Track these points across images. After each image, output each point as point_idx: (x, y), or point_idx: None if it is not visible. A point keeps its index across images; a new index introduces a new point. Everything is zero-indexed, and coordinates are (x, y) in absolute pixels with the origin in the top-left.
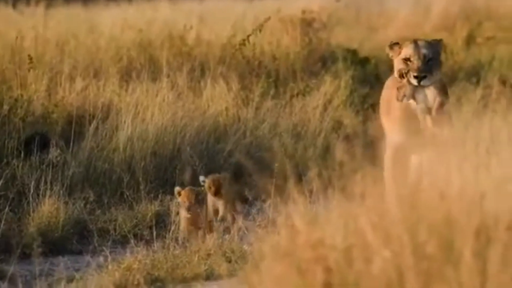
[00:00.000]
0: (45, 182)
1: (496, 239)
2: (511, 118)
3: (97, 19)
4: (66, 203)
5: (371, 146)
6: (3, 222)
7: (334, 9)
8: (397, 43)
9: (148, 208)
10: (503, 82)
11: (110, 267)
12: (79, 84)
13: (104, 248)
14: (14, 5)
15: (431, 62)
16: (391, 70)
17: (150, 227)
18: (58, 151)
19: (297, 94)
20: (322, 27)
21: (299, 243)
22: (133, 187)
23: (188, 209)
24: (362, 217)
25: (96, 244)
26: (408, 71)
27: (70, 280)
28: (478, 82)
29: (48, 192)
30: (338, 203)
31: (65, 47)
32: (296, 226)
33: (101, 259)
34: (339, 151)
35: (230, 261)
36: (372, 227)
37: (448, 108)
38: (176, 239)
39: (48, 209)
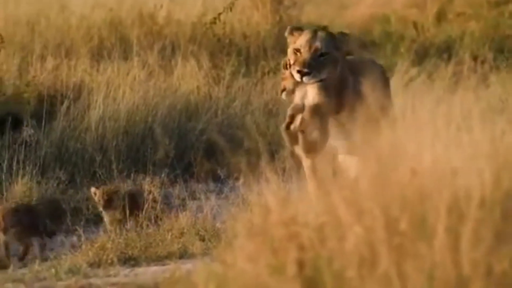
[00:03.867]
0: (18, 162)
1: (468, 215)
2: (482, 94)
3: None
4: (38, 182)
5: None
6: None
7: None
8: (299, 28)
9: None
10: (474, 58)
11: (83, 246)
12: (50, 63)
13: (77, 227)
14: None
15: (323, 57)
16: (363, 46)
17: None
18: (31, 130)
19: (268, 72)
20: (293, 5)
21: (272, 221)
22: (106, 166)
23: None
24: (334, 194)
25: (70, 224)
26: (294, 63)
27: (44, 259)
28: (449, 58)
29: (20, 172)
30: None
31: (36, 27)
32: (269, 204)
33: (75, 238)
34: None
35: (203, 240)
36: (344, 204)
37: (326, 112)
38: (149, 218)
39: (21, 189)
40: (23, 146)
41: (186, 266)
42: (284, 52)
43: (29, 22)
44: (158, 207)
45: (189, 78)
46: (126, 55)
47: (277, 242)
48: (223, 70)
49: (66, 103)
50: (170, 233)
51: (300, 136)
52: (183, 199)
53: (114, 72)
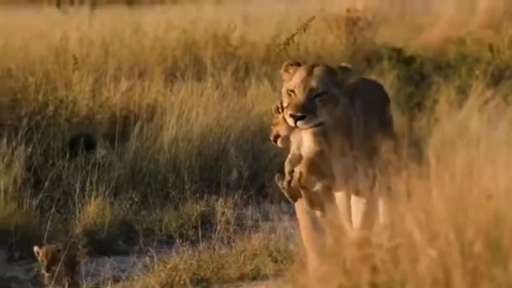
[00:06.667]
0: (91, 183)
1: None
2: None
3: (142, 19)
4: (111, 203)
5: (417, 144)
6: (49, 223)
7: (378, 8)
8: (296, 64)
9: (194, 208)
10: None
11: (156, 267)
12: (123, 84)
13: (150, 248)
14: (58, 5)
15: (319, 98)
16: (438, 68)
17: (196, 227)
18: (104, 151)
19: None
20: (367, 26)
21: (345, 243)
22: (179, 187)
23: None
24: (408, 216)
25: (142, 245)
26: (287, 106)
27: (116, 280)
28: None
29: (93, 193)
30: (384, 202)
31: (110, 48)
32: (342, 226)
33: (147, 259)
34: (385, 150)
35: (276, 261)
36: (418, 226)
37: (325, 161)
38: (222, 239)
39: (94, 210)
40: (96, 167)
41: (259, 287)
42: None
43: (103, 44)
44: (231, 228)
45: (263, 99)
46: (199, 76)
47: (350, 263)
48: None
49: (139, 124)
50: (242, 255)
51: (302, 191)
52: (256, 220)
53: (187, 93)
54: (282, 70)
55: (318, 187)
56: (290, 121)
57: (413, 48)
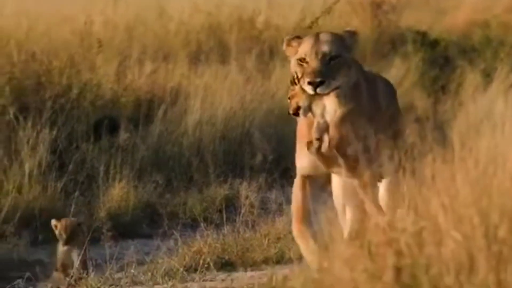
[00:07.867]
0: (115, 166)
1: None
2: None
3: (166, 2)
4: (135, 187)
5: (442, 128)
6: (73, 206)
7: None
8: (296, 37)
9: (218, 192)
10: None
11: (180, 250)
12: (148, 67)
13: (174, 231)
14: None
15: (333, 62)
16: (463, 52)
17: (220, 211)
18: (127, 134)
19: None
20: (392, 9)
21: (370, 226)
22: (202, 170)
23: None
24: (433, 199)
25: (166, 228)
26: (302, 75)
27: (140, 263)
28: None
29: (117, 176)
30: (409, 185)
31: (134, 31)
32: (367, 209)
33: (171, 242)
34: (410, 133)
35: None
36: (443, 210)
37: (355, 120)
38: (246, 223)
39: (118, 193)
40: (120, 150)
41: (283, 271)
42: (382, 56)
43: (127, 27)
44: (255, 212)
45: (287, 82)
46: (224, 60)
47: (374, 247)
48: None
49: (163, 107)
50: (267, 238)
51: (340, 158)
52: (280, 204)
53: (211, 76)
54: (284, 46)
55: (353, 149)
56: (309, 89)
57: (438, 32)
